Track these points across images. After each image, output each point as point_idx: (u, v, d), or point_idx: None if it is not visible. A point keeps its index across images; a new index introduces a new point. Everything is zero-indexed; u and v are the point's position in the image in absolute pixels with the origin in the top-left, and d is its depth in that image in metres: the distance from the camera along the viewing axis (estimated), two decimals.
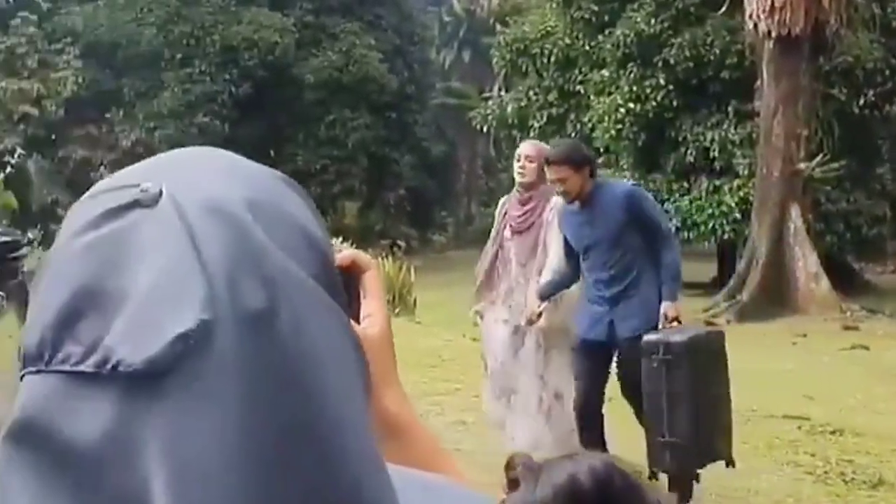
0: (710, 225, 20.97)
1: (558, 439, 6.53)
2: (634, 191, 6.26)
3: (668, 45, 21.41)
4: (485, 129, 26.18)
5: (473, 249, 11.66)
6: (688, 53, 21.18)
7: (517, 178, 6.68)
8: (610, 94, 22.04)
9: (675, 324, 5.98)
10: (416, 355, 9.88)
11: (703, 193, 21.30)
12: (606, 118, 21.75)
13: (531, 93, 24.21)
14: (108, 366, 0.61)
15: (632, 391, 5.92)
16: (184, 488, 0.59)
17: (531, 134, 22.68)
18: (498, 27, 26.21)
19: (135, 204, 0.66)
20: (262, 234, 0.66)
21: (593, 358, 6.21)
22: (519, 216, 6.67)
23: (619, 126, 21.58)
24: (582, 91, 23.24)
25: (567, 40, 23.21)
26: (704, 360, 5.79)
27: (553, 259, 6.54)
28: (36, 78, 27.68)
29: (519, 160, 6.63)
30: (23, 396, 0.64)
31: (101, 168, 29.56)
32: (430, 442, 0.95)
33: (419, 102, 34.53)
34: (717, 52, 21.01)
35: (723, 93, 21.39)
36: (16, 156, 26.53)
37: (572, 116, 23.28)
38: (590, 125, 22.36)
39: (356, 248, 1.35)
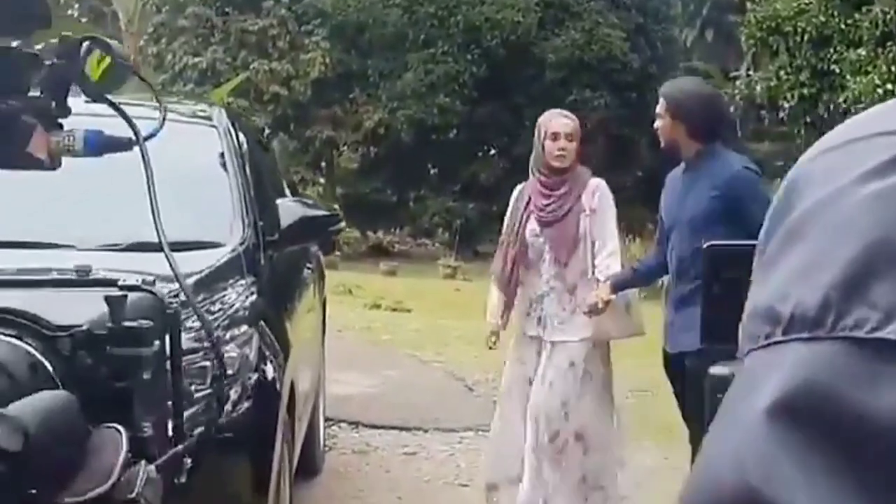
0: None
1: (568, 493, 5.28)
2: (742, 174, 4.84)
3: None
4: (731, 109, 25.46)
5: None
6: None
7: (555, 163, 5.46)
8: (867, 73, 21.06)
9: None
10: None
11: None
12: (863, 99, 20.79)
13: (782, 72, 23.35)
14: None
15: (689, 424, 4.83)
16: None
17: (780, 115, 21.98)
18: (748, 5, 25.38)
19: None
20: None
21: (667, 368, 5.05)
22: (549, 204, 5.47)
23: None
24: (837, 70, 22.31)
25: (822, 18, 22.30)
26: None
27: (615, 243, 5.46)
28: (286, 59, 28.38)
29: (556, 139, 5.42)
30: (791, 365, 0.56)
31: (344, 147, 30.13)
32: None
33: (661, 82, 33.67)
34: None
35: None
36: (264, 135, 27.35)
37: (825, 97, 22.38)
38: (844, 106, 21.44)
39: None
